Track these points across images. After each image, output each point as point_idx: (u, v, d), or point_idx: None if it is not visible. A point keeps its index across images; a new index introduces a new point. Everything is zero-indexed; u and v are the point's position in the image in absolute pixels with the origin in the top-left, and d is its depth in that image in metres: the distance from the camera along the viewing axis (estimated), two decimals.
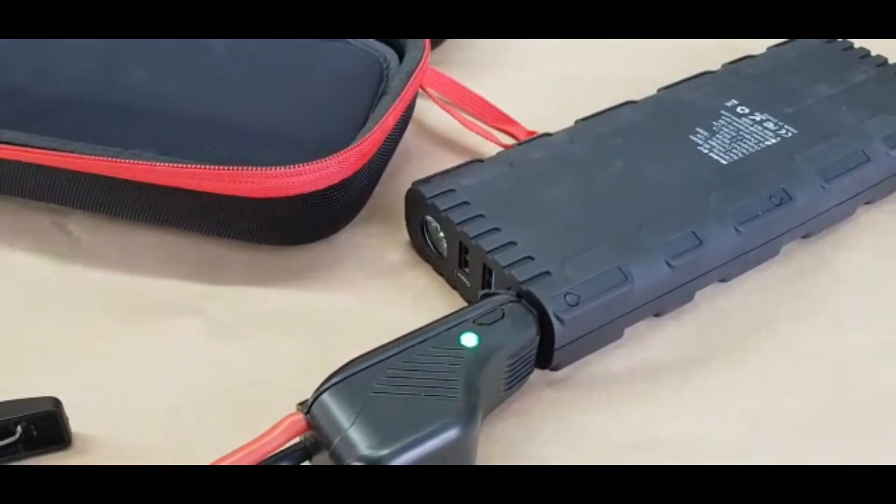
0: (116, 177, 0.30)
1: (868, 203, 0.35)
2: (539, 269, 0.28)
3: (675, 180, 0.31)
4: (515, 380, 0.27)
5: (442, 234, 0.31)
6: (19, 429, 0.26)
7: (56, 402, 0.26)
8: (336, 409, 0.23)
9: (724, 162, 0.32)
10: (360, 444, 0.22)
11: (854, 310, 0.31)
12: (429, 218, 0.32)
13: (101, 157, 0.30)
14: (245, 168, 0.29)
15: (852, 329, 0.30)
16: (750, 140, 0.34)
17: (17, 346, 0.29)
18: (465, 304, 0.31)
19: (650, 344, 0.30)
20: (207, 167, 0.29)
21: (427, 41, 0.37)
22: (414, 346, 0.25)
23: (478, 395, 0.24)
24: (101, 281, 0.32)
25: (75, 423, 0.26)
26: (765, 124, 0.34)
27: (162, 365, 0.29)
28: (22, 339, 0.30)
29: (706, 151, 0.33)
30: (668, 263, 0.28)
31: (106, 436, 0.27)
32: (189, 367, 0.29)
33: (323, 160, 0.29)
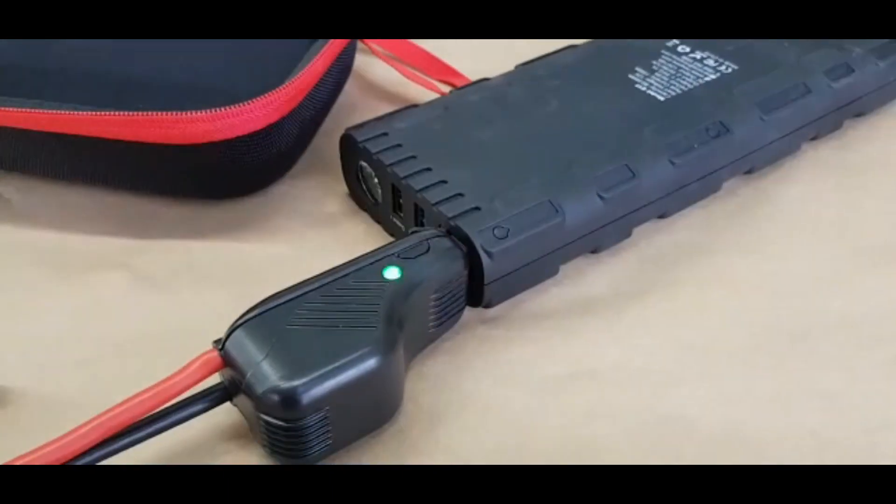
0: (39, 130, 0.29)
1: (814, 139, 0.35)
2: (468, 205, 0.27)
3: (611, 118, 0.31)
4: (445, 316, 0.26)
5: (376, 180, 0.31)
6: None
7: None
8: (250, 344, 0.22)
9: (662, 98, 0.32)
10: (273, 376, 0.22)
11: (795, 241, 0.31)
12: (363, 163, 0.31)
13: (20, 109, 0.29)
14: (165, 113, 0.28)
15: (792, 258, 0.30)
16: (689, 76, 0.33)
17: None
18: None
19: (586, 280, 0.29)
20: (126, 114, 0.28)
21: None
22: (335, 280, 0.24)
23: (399, 327, 0.23)
24: (30, 240, 0.31)
25: None
26: (705, 61, 0.34)
27: (86, 318, 0.28)
28: None
29: (644, 89, 0.32)
30: (600, 196, 0.28)
31: (27, 388, 0.26)
32: (114, 319, 0.28)
33: (246, 103, 0.29)
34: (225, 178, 0.31)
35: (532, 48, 0.41)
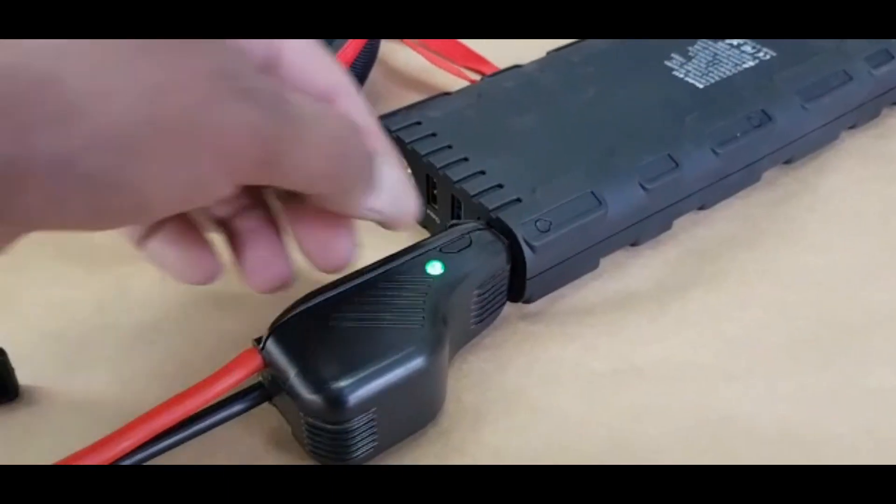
0: None
1: (852, 128, 0.34)
2: (509, 197, 0.26)
3: (650, 105, 0.30)
4: (486, 312, 0.25)
5: (409, 170, 0.30)
6: None
7: (0, 352, 0.24)
8: (292, 343, 0.22)
9: (701, 86, 0.31)
10: (318, 377, 0.21)
11: (837, 232, 0.30)
12: None
13: None
14: None
15: (835, 250, 0.29)
16: (727, 63, 0.32)
17: None
18: None
19: (627, 273, 0.28)
20: None
21: None
22: (377, 275, 0.23)
23: (444, 324, 0.23)
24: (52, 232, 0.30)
25: (23, 376, 0.25)
26: (742, 48, 0.33)
27: (115, 312, 0.27)
28: None
29: (682, 76, 0.32)
30: (642, 187, 0.27)
31: (55, 387, 0.25)
32: (143, 313, 0.27)
33: None
34: None
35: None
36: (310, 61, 0.21)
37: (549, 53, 0.34)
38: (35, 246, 0.30)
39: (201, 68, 0.16)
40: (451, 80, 0.37)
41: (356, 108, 0.22)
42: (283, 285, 0.23)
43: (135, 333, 0.27)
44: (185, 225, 0.22)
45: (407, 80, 0.38)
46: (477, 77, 0.38)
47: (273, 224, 0.23)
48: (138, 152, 0.16)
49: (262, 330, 0.23)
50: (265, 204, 0.23)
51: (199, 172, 0.17)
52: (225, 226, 0.23)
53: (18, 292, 0.28)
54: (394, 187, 0.22)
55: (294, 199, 0.22)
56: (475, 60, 0.39)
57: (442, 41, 0.39)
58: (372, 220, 0.22)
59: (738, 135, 0.29)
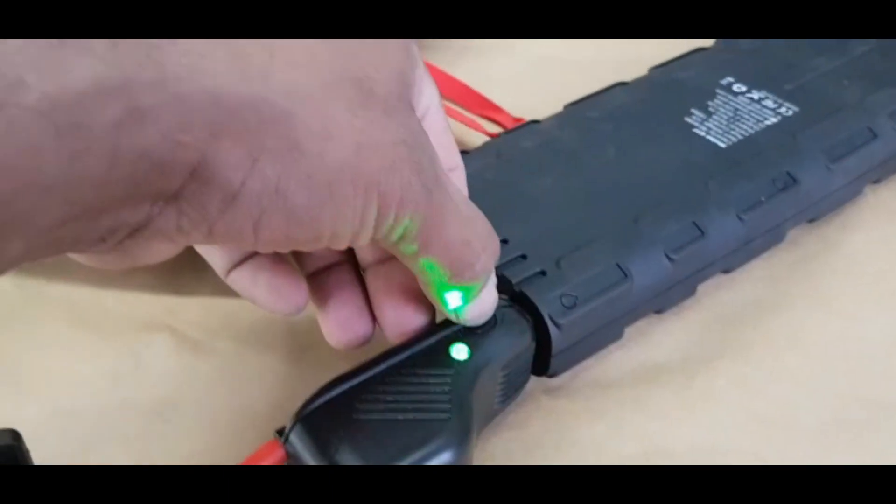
0: None
1: (875, 182, 0.33)
2: (533, 269, 0.26)
3: (672, 166, 0.30)
4: (511, 390, 0.25)
5: None
6: None
7: (15, 436, 0.24)
8: (316, 437, 0.21)
9: (723, 145, 0.30)
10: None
11: (864, 296, 0.29)
12: None
13: None
14: None
15: (864, 318, 0.29)
16: (749, 120, 0.32)
17: None
18: None
19: (652, 343, 0.28)
20: None
21: None
22: (399, 361, 0.23)
23: (471, 413, 0.22)
24: (64, 295, 0.30)
25: (37, 456, 0.24)
26: (763, 102, 0.33)
27: (130, 387, 0.27)
28: None
29: (703, 134, 0.31)
30: (668, 257, 0.27)
31: None
32: (159, 388, 0.27)
33: None
34: None
35: (571, 79, 0.39)
36: (442, 134, 0.23)
37: (566, 108, 0.33)
38: (46, 311, 0.29)
39: (395, 135, 0.19)
40: (465, 130, 0.37)
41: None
42: (363, 344, 0.24)
43: (150, 409, 0.26)
44: (277, 255, 0.23)
45: None
46: (491, 126, 0.38)
47: (360, 281, 0.24)
48: (332, 194, 0.18)
49: (281, 407, 0.23)
50: (355, 260, 0.24)
51: (363, 221, 0.19)
52: (314, 276, 0.24)
53: (30, 363, 0.28)
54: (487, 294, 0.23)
55: (390, 264, 0.23)
56: (490, 109, 0.39)
57: (456, 89, 0.39)
58: (449, 316, 0.23)
59: (763, 199, 0.29)
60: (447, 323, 0.24)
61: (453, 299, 0.23)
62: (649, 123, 0.32)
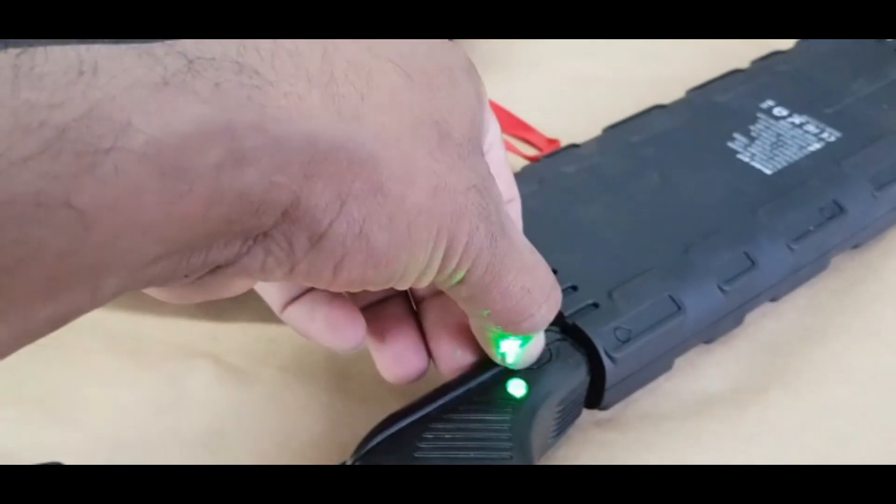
0: None
1: None
2: (585, 301, 0.25)
3: (719, 194, 0.29)
4: (565, 424, 0.24)
5: None
6: None
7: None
8: None
9: (768, 172, 0.30)
10: None
11: None
12: None
13: None
14: None
15: None
16: (792, 146, 0.31)
17: (16, 396, 0.27)
18: None
19: (701, 374, 0.28)
20: None
21: None
22: (457, 397, 0.22)
23: (529, 450, 0.22)
24: (98, 321, 0.29)
25: None
26: (805, 127, 0.32)
27: (173, 416, 0.26)
28: (21, 389, 0.27)
29: (747, 160, 0.31)
30: (720, 288, 0.26)
31: None
32: (203, 417, 0.26)
33: None
34: None
35: (602, 98, 0.39)
36: (503, 169, 0.23)
37: (605, 131, 0.33)
38: (81, 338, 0.29)
39: (467, 181, 0.19)
40: None
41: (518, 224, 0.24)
42: (419, 378, 0.23)
43: (195, 439, 0.26)
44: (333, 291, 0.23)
45: None
46: (523, 146, 0.37)
47: (414, 316, 0.24)
48: (411, 237, 0.18)
49: (325, 436, 0.23)
50: (408, 295, 0.24)
51: (429, 264, 0.19)
52: (368, 309, 0.24)
53: (69, 391, 0.27)
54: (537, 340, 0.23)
55: (444, 298, 0.22)
56: (522, 129, 0.38)
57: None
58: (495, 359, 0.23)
59: (812, 228, 0.28)
60: None
61: (508, 347, 0.22)
62: (692, 148, 0.31)
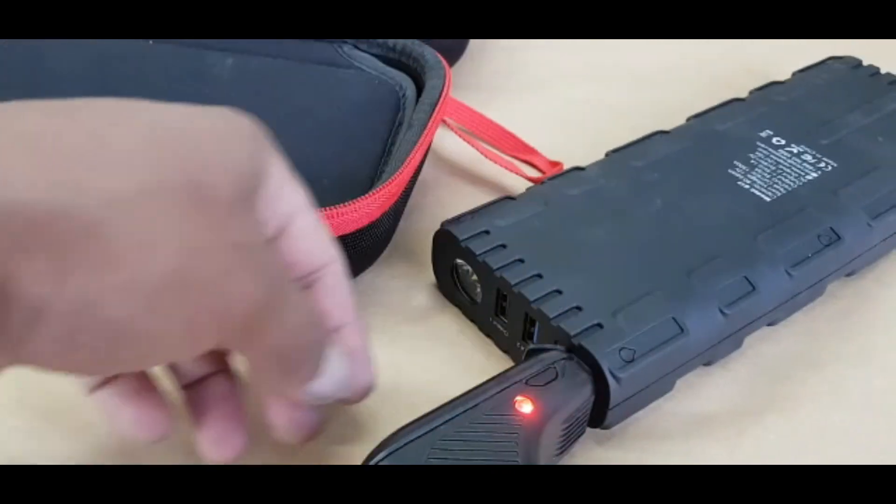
0: None
1: None
2: (590, 322, 0.26)
3: (720, 219, 0.30)
4: (568, 443, 0.25)
5: (475, 279, 0.29)
6: None
7: None
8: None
9: (768, 199, 0.31)
10: None
11: None
12: (460, 261, 0.30)
13: None
14: None
15: None
16: (790, 174, 0.32)
17: (22, 406, 0.27)
18: (501, 354, 0.29)
19: (700, 395, 0.28)
20: None
21: (448, 69, 0.35)
22: (465, 412, 0.23)
23: (535, 463, 0.22)
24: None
25: None
26: (803, 157, 0.33)
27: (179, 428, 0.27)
28: (27, 399, 0.27)
29: (747, 187, 0.31)
30: (722, 312, 0.27)
31: None
32: None
33: (354, 202, 0.27)
34: None
35: (602, 122, 0.40)
36: (312, 236, 0.22)
37: (609, 155, 0.34)
38: None
39: (231, 238, 0.18)
40: (500, 171, 0.37)
41: (336, 284, 0.23)
42: (236, 459, 0.23)
43: None
44: (142, 377, 0.22)
45: (456, 170, 0.38)
46: (526, 168, 0.38)
47: (236, 389, 0.23)
48: (158, 304, 0.17)
49: (343, 452, 0.23)
50: (230, 370, 0.24)
51: (197, 330, 0.18)
52: (189, 388, 0.23)
53: (75, 402, 0.27)
54: (339, 375, 0.22)
55: None
56: (525, 151, 0.39)
57: (491, 131, 0.39)
58: (315, 403, 0.23)
59: (810, 255, 0.29)
60: (511, 373, 0.24)
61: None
62: (694, 174, 0.32)
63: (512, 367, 0.25)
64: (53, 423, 0.27)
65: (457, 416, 0.23)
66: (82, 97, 0.34)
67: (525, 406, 0.23)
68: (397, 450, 0.22)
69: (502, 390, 0.24)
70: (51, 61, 0.36)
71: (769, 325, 0.30)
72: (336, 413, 0.27)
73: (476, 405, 0.23)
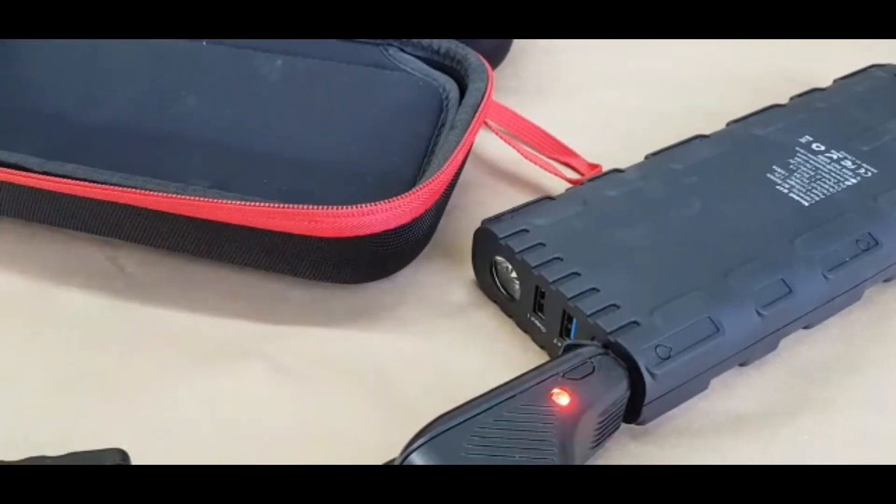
0: (179, 213, 0.29)
1: None
2: (626, 319, 0.26)
3: (758, 222, 0.30)
4: (603, 436, 0.25)
5: (514, 276, 0.30)
6: None
7: (123, 456, 0.24)
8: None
9: (806, 203, 0.31)
10: None
11: None
12: (500, 258, 0.30)
13: (165, 195, 0.29)
14: (318, 207, 0.28)
15: None
16: (829, 179, 0.32)
17: (79, 387, 0.28)
18: (538, 349, 0.30)
19: (735, 395, 0.28)
20: (278, 206, 0.28)
21: (490, 72, 0.35)
22: (503, 402, 0.24)
23: (572, 456, 0.23)
24: (159, 318, 0.31)
25: None
26: (842, 163, 0.33)
27: (229, 411, 0.28)
28: (83, 381, 0.28)
29: (786, 191, 0.32)
30: (758, 312, 0.27)
31: None
32: (257, 413, 0.28)
33: (398, 198, 0.28)
34: (362, 267, 0.31)
35: (642, 127, 0.40)
36: None
37: (648, 158, 0.34)
38: (143, 334, 0.30)
39: None
40: (541, 173, 0.38)
41: None
42: None
43: (250, 434, 0.27)
44: None
45: (498, 172, 0.39)
46: (566, 170, 0.39)
47: None
48: None
49: (381, 444, 0.24)
50: None
51: None
52: None
53: (130, 383, 0.29)
54: None
55: None
56: (565, 153, 0.40)
57: (532, 133, 0.40)
58: None
59: (847, 259, 0.29)
60: (548, 367, 0.25)
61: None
62: (732, 178, 0.32)
63: (549, 361, 0.25)
64: (108, 403, 0.28)
65: (495, 405, 0.23)
66: (138, 95, 0.36)
67: (562, 398, 0.24)
68: (436, 437, 0.23)
69: (540, 382, 0.24)
70: (107, 60, 0.38)
71: (805, 328, 0.30)
72: (376, 402, 0.28)
73: (514, 396, 0.24)
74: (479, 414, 0.23)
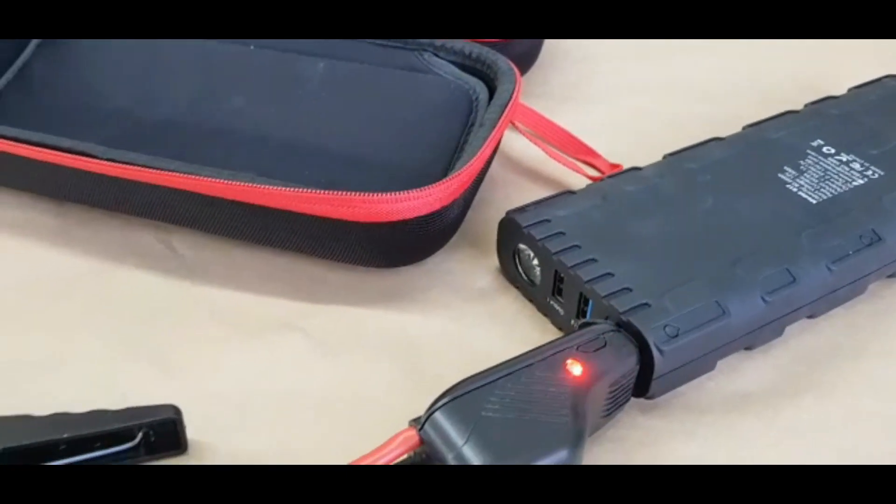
0: (229, 198, 0.32)
1: None
2: (638, 301, 0.28)
3: (767, 217, 0.32)
4: (614, 407, 0.27)
5: (535, 262, 0.32)
6: (140, 434, 0.27)
7: (176, 411, 0.27)
8: (449, 428, 0.24)
9: (814, 201, 0.33)
10: (475, 461, 0.23)
11: None
12: (522, 246, 0.33)
13: (218, 180, 0.31)
14: (355, 193, 0.30)
15: None
16: (837, 180, 0.34)
17: (134, 354, 0.31)
18: (556, 331, 0.32)
19: (741, 376, 0.30)
20: (319, 192, 0.30)
21: (518, 75, 0.38)
22: (521, 369, 0.26)
23: (584, 419, 0.25)
24: (207, 296, 0.33)
25: (190, 431, 0.28)
26: (851, 165, 0.35)
27: (270, 377, 0.30)
28: (139, 350, 0.31)
29: (795, 190, 0.34)
30: (763, 299, 0.29)
31: (219, 442, 0.28)
32: (296, 380, 0.30)
33: (428, 187, 0.31)
34: (394, 252, 0.33)
35: (663, 131, 0.42)
36: None
37: (665, 157, 0.36)
38: (192, 309, 0.33)
39: None
40: (565, 171, 0.40)
41: None
42: None
43: (290, 400, 0.29)
44: None
45: (523, 170, 0.41)
46: (588, 169, 0.41)
47: None
48: None
49: (409, 410, 0.26)
50: None
51: None
52: None
53: (181, 353, 0.31)
54: None
55: None
56: (588, 153, 0.42)
57: (557, 134, 0.42)
58: None
59: (851, 252, 0.31)
60: (563, 340, 0.27)
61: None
62: (745, 177, 0.34)
63: (564, 336, 0.27)
64: (162, 371, 0.30)
65: (513, 372, 0.26)
66: (191, 94, 0.39)
67: (575, 368, 0.26)
68: (458, 397, 0.25)
69: (555, 353, 0.26)
70: (164, 63, 0.41)
71: (810, 317, 0.32)
72: (406, 374, 0.30)
73: (531, 364, 0.26)
74: (498, 378, 0.25)
